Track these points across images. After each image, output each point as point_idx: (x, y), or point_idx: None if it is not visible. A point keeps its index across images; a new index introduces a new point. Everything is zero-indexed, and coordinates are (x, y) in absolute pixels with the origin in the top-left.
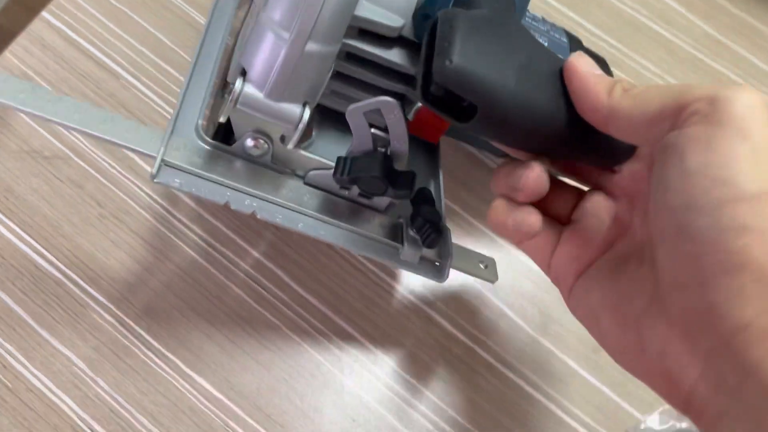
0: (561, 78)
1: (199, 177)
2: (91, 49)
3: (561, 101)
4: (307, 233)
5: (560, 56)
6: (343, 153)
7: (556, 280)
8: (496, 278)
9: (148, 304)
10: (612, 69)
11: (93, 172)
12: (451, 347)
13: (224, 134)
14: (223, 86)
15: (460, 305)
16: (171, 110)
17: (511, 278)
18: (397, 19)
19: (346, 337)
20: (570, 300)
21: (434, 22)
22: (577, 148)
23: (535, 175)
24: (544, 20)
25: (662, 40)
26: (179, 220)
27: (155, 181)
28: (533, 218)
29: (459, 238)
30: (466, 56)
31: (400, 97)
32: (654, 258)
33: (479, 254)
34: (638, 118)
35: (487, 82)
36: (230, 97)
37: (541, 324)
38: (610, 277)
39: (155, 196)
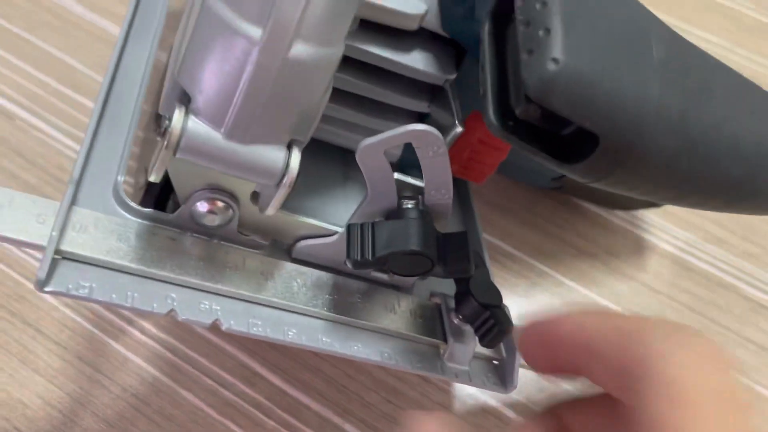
0: (718, 80)
1: (126, 273)
2: None
3: (733, 118)
4: (303, 345)
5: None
6: (346, 209)
7: None
8: None
9: None
10: None
11: None
12: None
13: (160, 193)
14: (157, 121)
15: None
16: None
17: None
18: (418, 3)
19: None
20: None
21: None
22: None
23: None
24: None
25: (718, 8)
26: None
27: (46, 290)
28: None
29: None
30: (581, 51)
31: (420, 118)
32: None
33: None
34: None
35: (621, 95)
36: (164, 141)
37: None
38: None
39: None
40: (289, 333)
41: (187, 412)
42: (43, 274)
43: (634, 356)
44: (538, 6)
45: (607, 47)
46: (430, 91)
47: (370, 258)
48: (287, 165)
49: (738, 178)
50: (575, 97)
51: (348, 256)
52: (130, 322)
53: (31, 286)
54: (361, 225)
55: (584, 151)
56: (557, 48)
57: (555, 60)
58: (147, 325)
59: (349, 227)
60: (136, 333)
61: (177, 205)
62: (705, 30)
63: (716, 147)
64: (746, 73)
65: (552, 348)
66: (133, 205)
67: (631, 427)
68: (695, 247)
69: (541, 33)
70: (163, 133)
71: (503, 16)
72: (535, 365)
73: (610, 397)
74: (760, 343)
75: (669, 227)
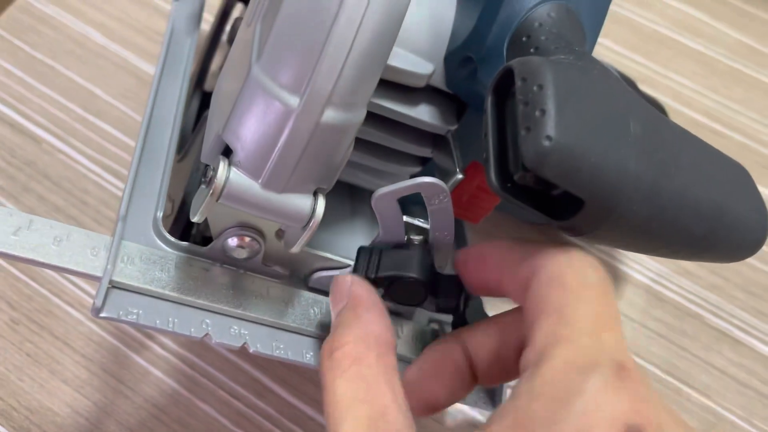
0: (685, 151)
1: (167, 301)
2: (4, 109)
3: (697, 185)
4: (317, 365)
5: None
6: (354, 242)
7: None
8: None
9: None
10: (646, 89)
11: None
12: None
13: (186, 224)
14: (183, 153)
15: None
16: (108, 176)
17: None
18: (426, 64)
19: None
20: None
21: (500, 75)
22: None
23: None
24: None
25: (693, 53)
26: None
27: (102, 316)
28: None
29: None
30: (571, 130)
31: (423, 161)
32: None
33: None
34: None
35: (603, 168)
36: (209, 189)
37: None
38: None
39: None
40: (307, 355)
41: (203, 421)
42: (99, 303)
43: (530, 266)
44: (535, 88)
45: (592, 126)
46: (434, 139)
47: (372, 277)
48: (313, 211)
49: (699, 235)
50: (565, 168)
51: (355, 270)
52: (150, 337)
53: (59, 301)
54: (371, 249)
55: (571, 210)
56: (551, 127)
57: (549, 137)
58: (166, 341)
59: (360, 249)
60: (157, 348)
61: (201, 233)
62: (680, 75)
63: (681, 210)
64: (716, 116)
65: (480, 270)
66: (172, 239)
67: (526, 318)
68: (666, 278)
69: (537, 113)
70: (209, 182)
71: (503, 91)
72: (471, 287)
73: (500, 320)
74: (722, 369)
75: (643, 259)
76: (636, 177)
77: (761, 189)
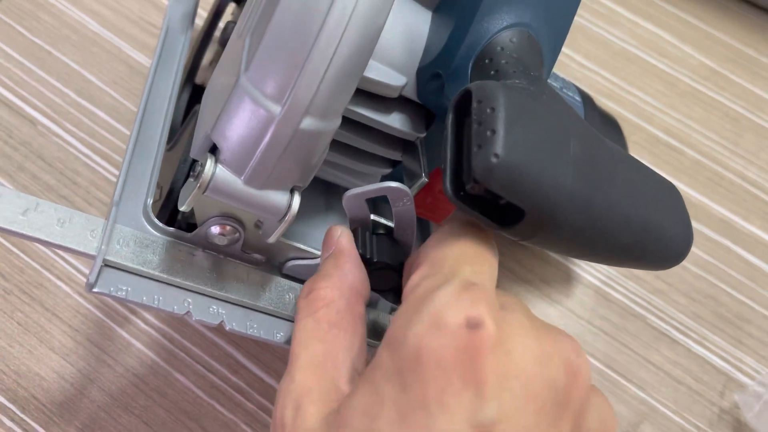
0: (619, 170)
1: (154, 280)
2: (3, 91)
3: (627, 202)
4: (288, 346)
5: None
6: (324, 231)
7: None
8: None
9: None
10: (610, 104)
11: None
12: None
13: (173, 210)
14: (172, 143)
15: None
16: (98, 159)
17: None
18: (399, 77)
19: None
20: None
21: (460, 96)
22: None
23: None
24: (555, 76)
25: (658, 72)
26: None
27: (95, 291)
28: None
29: None
30: (516, 150)
31: (393, 164)
32: None
33: None
34: None
35: (543, 183)
36: (197, 182)
37: None
38: None
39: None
40: (278, 335)
41: (180, 392)
42: (93, 279)
43: None
44: (488, 111)
45: (535, 147)
46: (404, 144)
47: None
48: (289, 206)
49: (628, 245)
50: (509, 182)
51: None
52: (134, 312)
53: (49, 275)
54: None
55: (514, 219)
56: (499, 146)
57: (496, 155)
58: (148, 317)
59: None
60: (139, 322)
61: (186, 220)
62: (644, 92)
63: (611, 223)
64: (675, 133)
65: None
66: (160, 224)
67: None
68: (615, 281)
69: (488, 133)
70: (197, 176)
71: (463, 109)
72: None
73: None
74: (658, 365)
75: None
76: (571, 192)
77: (712, 204)
